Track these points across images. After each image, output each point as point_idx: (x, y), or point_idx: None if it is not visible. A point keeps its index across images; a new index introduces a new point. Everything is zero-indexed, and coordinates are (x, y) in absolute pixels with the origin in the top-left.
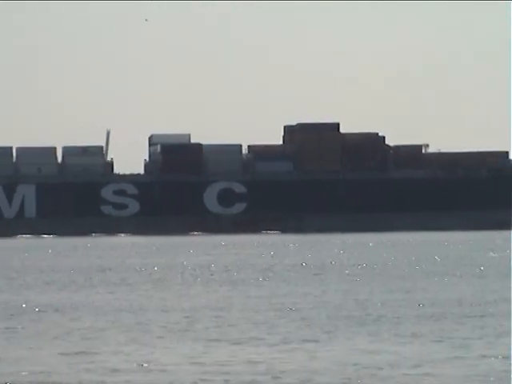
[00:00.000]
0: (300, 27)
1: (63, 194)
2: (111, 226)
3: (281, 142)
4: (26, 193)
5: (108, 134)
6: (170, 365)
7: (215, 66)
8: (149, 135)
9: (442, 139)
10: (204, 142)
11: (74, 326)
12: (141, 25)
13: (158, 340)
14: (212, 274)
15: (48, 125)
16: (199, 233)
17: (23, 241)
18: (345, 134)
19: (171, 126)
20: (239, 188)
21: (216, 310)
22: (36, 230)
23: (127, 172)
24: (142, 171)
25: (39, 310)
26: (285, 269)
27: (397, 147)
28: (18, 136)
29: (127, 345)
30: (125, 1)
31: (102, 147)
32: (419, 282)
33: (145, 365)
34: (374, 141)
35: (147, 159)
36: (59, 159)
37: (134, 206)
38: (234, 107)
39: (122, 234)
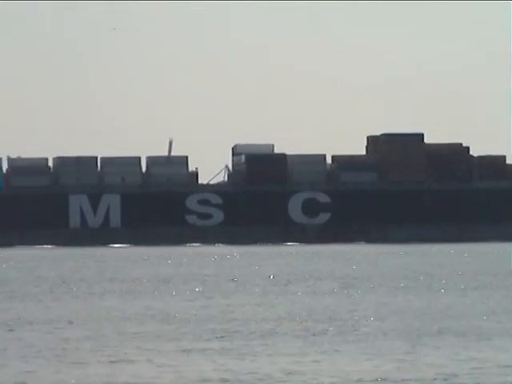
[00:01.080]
0: (398, 36)
1: (148, 203)
2: (196, 236)
3: (363, 152)
4: (111, 202)
5: (170, 143)
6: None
7: (298, 77)
8: (232, 145)
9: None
10: (287, 152)
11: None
12: (226, 34)
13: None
14: (289, 284)
15: (132, 135)
16: (283, 243)
17: (108, 250)
18: (429, 145)
19: (254, 137)
20: (323, 198)
21: (295, 322)
22: (121, 240)
23: (206, 181)
24: (220, 181)
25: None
26: (365, 278)
27: (481, 157)
28: (102, 146)
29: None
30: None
31: (186, 157)
32: (506, 292)
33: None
34: (458, 151)
35: (230, 169)
36: (143, 169)
37: (218, 216)
38: (317, 117)
39: (206, 244)
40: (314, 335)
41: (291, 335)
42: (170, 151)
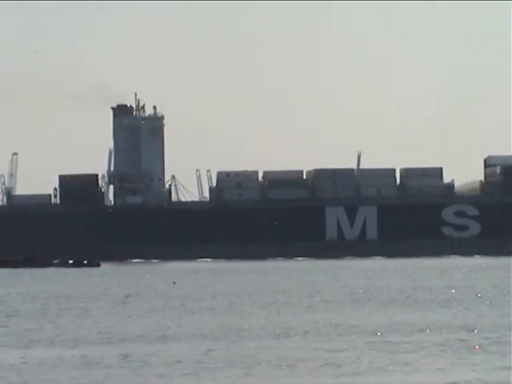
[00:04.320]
0: None
1: (404, 215)
2: (452, 248)
3: None
4: (368, 215)
5: (359, 156)
6: None
7: None
8: (485, 156)
9: None
10: None
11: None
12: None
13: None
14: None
15: (388, 146)
16: None
17: (366, 263)
18: None
19: (507, 148)
20: None
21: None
22: (377, 252)
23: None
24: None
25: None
26: None
27: None
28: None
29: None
30: None
31: (440, 168)
32: None
33: None
34: None
35: (483, 180)
36: (398, 181)
37: (474, 228)
38: None
39: (463, 256)
40: None
41: None
42: (358, 164)
